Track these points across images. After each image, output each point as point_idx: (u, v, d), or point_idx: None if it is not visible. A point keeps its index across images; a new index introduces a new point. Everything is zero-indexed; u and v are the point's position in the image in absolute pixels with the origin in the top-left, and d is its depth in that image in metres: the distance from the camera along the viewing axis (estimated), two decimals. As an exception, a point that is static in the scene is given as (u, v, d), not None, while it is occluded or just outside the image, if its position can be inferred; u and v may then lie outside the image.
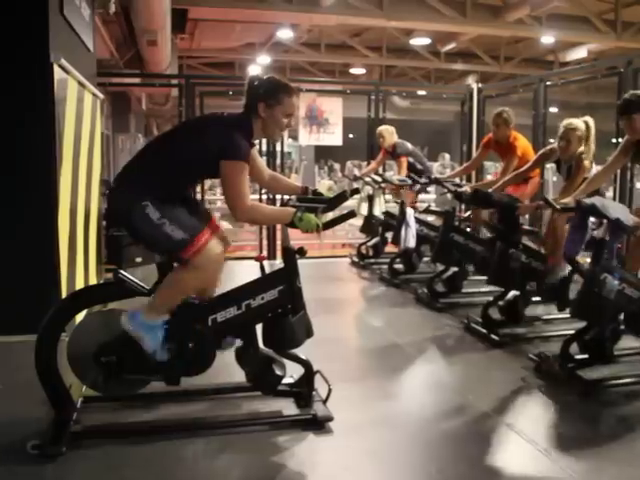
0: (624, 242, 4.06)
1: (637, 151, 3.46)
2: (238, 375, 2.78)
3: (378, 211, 6.68)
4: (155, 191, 2.51)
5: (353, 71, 15.15)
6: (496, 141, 5.26)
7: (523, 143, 5.15)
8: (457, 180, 6.04)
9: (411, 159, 6.51)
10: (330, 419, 2.70)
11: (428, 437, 2.71)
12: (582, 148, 4.04)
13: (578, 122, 4.06)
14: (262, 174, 2.95)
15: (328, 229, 2.66)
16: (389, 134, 6.58)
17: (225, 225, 9.07)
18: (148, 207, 2.48)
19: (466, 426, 2.81)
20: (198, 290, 2.67)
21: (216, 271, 2.64)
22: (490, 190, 4.36)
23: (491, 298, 4.19)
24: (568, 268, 3.98)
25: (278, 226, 3.13)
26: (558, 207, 3.43)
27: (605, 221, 3.13)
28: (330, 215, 2.73)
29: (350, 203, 3.19)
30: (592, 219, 3.23)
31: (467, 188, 4.92)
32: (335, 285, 6.20)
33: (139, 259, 6.16)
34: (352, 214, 2.60)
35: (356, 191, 3.35)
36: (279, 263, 2.76)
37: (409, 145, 6.59)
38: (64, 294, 3.70)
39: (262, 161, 3.03)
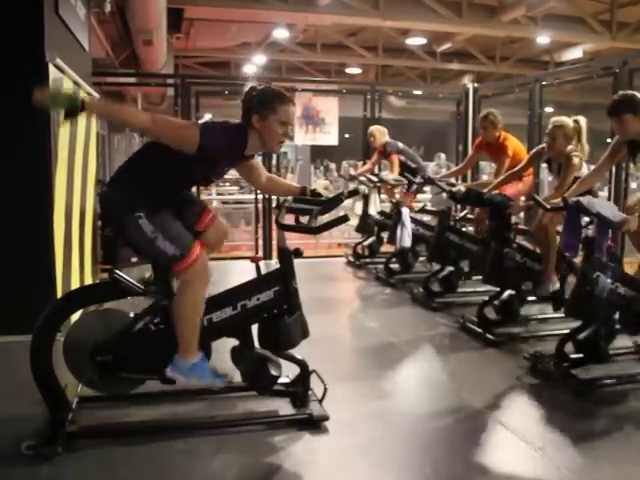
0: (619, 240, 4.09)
1: (629, 151, 3.47)
2: (234, 375, 2.78)
3: (374, 211, 6.69)
4: (148, 198, 2.51)
5: (349, 71, 15.17)
6: (487, 143, 5.29)
7: (513, 142, 5.18)
8: (452, 180, 6.06)
9: (402, 157, 6.53)
10: (326, 418, 2.70)
11: (423, 436, 2.72)
12: (571, 146, 4.05)
13: (565, 120, 4.06)
14: (260, 177, 2.93)
15: (321, 232, 2.66)
16: (380, 134, 6.61)
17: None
18: (142, 219, 2.48)
19: (461, 425, 2.82)
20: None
21: (206, 284, 2.62)
22: (484, 191, 4.38)
23: (486, 297, 4.20)
24: (557, 284, 4.05)
25: (274, 226, 3.13)
26: (547, 206, 3.44)
27: (595, 219, 3.15)
28: (326, 217, 2.73)
29: (346, 202, 3.19)
30: (586, 218, 3.25)
31: (461, 188, 4.94)
32: (331, 285, 6.21)
33: (134, 259, 6.14)
34: (345, 219, 2.60)
35: (355, 192, 3.35)
36: (275, 263, 2.76)
37: (400, 144, 6.62)
38: (59, 294, 3.69)
39: (260, 165, 3.01)
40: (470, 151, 6.54)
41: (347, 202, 4.93)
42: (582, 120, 4.06)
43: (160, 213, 2.54)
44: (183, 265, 2.52)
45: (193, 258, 2.53)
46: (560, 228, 4.01)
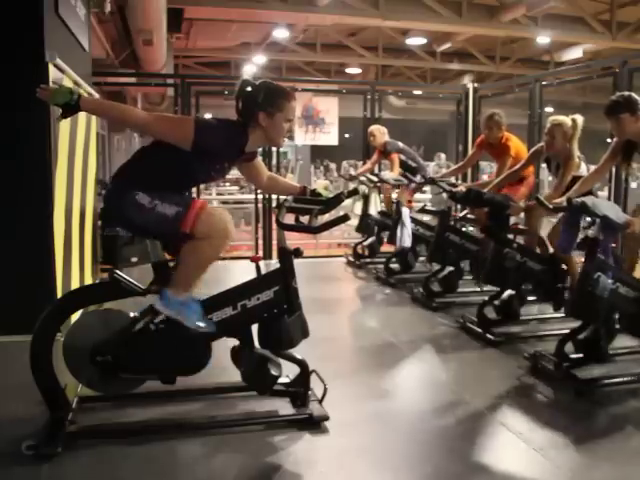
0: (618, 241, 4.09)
1: (625, 151, 3.48)
2: (234, 375, 2.78)
3: (374, 211, 6.69)
4: (146, 184, 2.50)
5: (349, 71, 15.18)
6: (489, 143, 5.29)
7: (516, 143, 5.18)
8: (452, 180, 6.06)
9: (403, 157, 6.54)
10: (326, 418, 2.70)
11: (424, 435, 2.72)
12: (569, 145, 4.05)
13: (564, 119, 4.08)
14: (260, 177, 2.93)
15: (322, 232, 2.66)
16: (380, 133, 6.62)
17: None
18: (138, 195, 2.47)
19: (461, 425, 2.82)
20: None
21: (226, 237, 2.53)
22: (485, 190, 4.38)
23: (486, 297, 4.20)
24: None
25: (274, 226, 3.13)
26: (550, 206, 3.44)
27: (598, 220, 3.15)
28: (326, 217, 2.73)
29: (345, 202, 3.20)
30: (587, 218, 3.25)
31: (461, 188, 4.94)
32: (331, 285, 6.21)
33: (135, 259, 6.14)
34: (346, 218, 2.60)
35: (355, 192, 3.34)
36: (275, 263, 2.76)
37: (400, 143, 6.64)
38: (59, 294, 3.69)
39: (262, 165, 3.00)
40: (470, 150, 6.54)
41: (347, 202, 4.95)
42: (579, 119, 4.07)
43: (156, 190, 2.51)
44: (189, 217, 2.44)
45: (196, 209, 2.46)
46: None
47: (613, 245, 3.28)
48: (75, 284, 4.23)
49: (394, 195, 6.33)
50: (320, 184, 12.55)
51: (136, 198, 2.47)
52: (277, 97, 2.58)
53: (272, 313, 2.66)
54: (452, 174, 6.12)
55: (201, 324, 2.57)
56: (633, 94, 3.39)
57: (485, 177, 8.61)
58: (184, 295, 2.56)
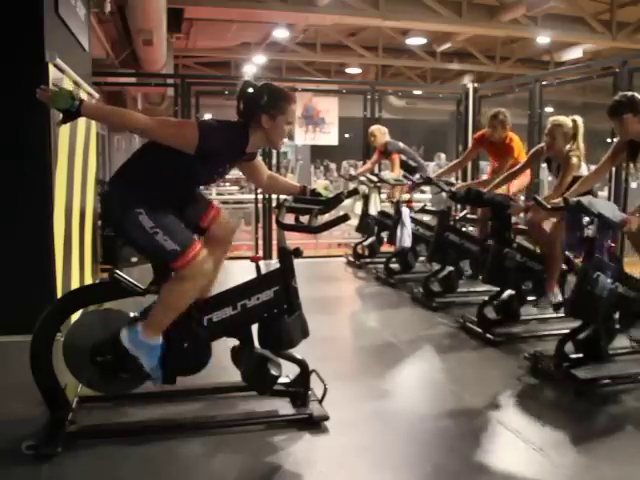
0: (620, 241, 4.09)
1: (629, 151, 3.48)
2: (234, 375, 2.78)
3: (374, 210, 6.69)
4: (149, 197, 2.51)
5: (349, 71, 15.17)
6: (491, 141, 5.27)
7: (518, 144, 5.17)
8: (452, 179, 6.05)
9: (403, 157, 6.54)
10: (326, 418, 2.70)
11: (424, 435, 2.72)
12: (569, 146, 4.06)
13: (564, 119, 4.08)
14: (261, 176, 2.94)
15: (322, 232, 2.67)
16: (380, 133, 6.63)
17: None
18: (142, 215, 2.48)
19: (461, 425, 2.82)
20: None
21: (204, 282, 2.61)
22: (485, 190, 4.38)
23: (486, 297, 4.20)
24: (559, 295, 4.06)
25: (274, 226, 3.14)
26: (548, 207, 3.44)
27: (596, 219, 3.15)
28: (326, 217, 2.73)
29: (345, 202, 3.20)
30: (587, 218, 3.24)
31: (459, 186, 4.93)
32: (331, 285, 6.21)
33: (135, 259, 6.14)
34: (346, 218, 2.60)
35: (355, 192, 3.35)
36: (275, 263, 2.76)
37: (400, 143, 6.65)
38: (59, 294, 3.69)
39: (262, 164, 3.01)
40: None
41: (347, 202, 4.95)
42: (579, 119, 4.08)
43: (160, 210, 2.53)
44: (182, 261, 2.48)
45: (192, 254, 2.50)
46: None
47: (612, 244, 3.27)
48: (75, 284, 4.24)
49: (405, 196, 6.28)
50: (320, 184, 12.54)
51: (139, 218, 2.47)
52: (279, 99, 2.59)
53: (272, 313, 2.67)
54: (450, 171, 6.09)
55: (153, 373, 2.59)
56: (636, 94, 3.38)
57: (485, 177, 8.58)
58: (152, 337, 2.55)
